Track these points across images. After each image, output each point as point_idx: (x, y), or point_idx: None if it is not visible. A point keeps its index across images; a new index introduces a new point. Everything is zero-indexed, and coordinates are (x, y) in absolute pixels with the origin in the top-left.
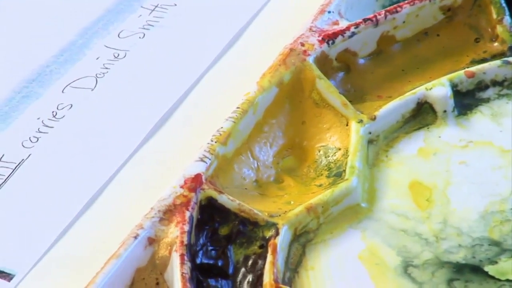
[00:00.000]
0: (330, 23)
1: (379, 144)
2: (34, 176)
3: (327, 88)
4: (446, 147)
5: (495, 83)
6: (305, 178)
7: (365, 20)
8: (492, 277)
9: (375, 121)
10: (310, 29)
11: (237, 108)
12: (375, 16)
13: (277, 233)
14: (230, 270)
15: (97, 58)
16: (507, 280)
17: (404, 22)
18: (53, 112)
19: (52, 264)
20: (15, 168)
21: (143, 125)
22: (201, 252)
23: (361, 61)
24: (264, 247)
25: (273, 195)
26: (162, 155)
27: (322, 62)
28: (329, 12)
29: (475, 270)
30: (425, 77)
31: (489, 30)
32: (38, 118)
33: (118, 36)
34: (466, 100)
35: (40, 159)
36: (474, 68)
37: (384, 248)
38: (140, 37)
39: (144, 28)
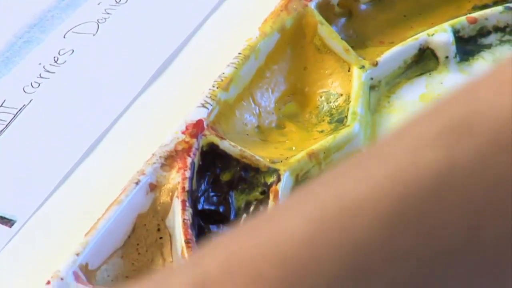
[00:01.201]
0: None
1: (381, 90)
2: (35, 121)
3: (329, 34)
4: (448, 93)
5: (497, 29)
6: (307, 124)
7: None
8: None
9: (377, 67)
10: None
11: (239, 54)
12: None
13: (278, 179)
14: (232, 216)
15: (99, 4)
16: None
17: None
18: (54, 57)
19: (53, 210)
20: (16, 113)
21: (145, 70)
22: (202, 198)
23: (363, 6)
24: (265, 193)
25: (275, 141)
26: (164, 101)
27: (324, 7)
28: None
29: None
30: (427, 23)
31: None
32: (40, 64)
33: None
34: (468, 46)
35: (41, 105)
36: (476, 14)
37: None
38: None
39: None
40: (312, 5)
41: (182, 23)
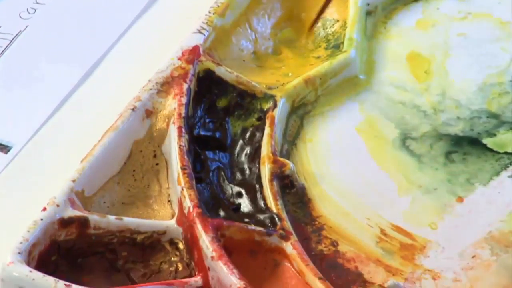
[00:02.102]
0: None
1: (377, 16)
2: (31, 47)
3: None
4: (444, 18)
5: None
6: (303, 49)
7: None
8: (490, 150)
9: None
10: None
11: None
12: None
13: (275, 105)
14: (228, 142)
15: None
16: (506, 153)
17: None
18: None
19: (49, 136)
20: (13, 39)
21: None
22: (198, 124)
23: None
24: (262, 119)
25: (271, 67)
26: (160, 26)
27: None
28: None
29: (473, 142)
30: None
31: None
32: None
33: None
34: None
35: (37, 31)
36: None
37: (382, 121)
38: None
39: None
40: None
41: None
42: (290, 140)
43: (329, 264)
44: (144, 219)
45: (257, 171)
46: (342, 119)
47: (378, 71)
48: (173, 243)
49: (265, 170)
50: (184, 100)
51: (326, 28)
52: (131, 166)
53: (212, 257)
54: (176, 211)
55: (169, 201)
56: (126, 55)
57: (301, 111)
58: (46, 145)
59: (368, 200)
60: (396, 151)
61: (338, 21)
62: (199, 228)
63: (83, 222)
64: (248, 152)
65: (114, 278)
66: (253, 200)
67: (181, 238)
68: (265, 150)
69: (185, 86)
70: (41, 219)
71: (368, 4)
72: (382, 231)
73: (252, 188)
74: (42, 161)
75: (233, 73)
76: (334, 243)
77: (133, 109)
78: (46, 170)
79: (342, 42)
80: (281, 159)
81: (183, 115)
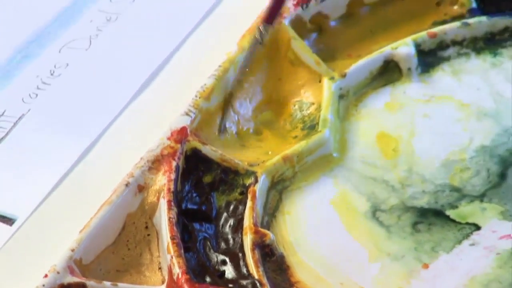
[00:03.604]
0: None
1: (349, 99)
2: (33, 129)
3: (301, 48)
4: (410, 101)
5: (455, 43)
6: (281, 130)
7: None
8: (453, 220)
9: (345, 78)
10: None
11: (219, 66)
12: None
13: (256, 181)
14: (213, 215)
15: (91, 21)
16: (467, 223)
17: None
18: (50, 70)
19: (51, 209)
20: (16, 122)
21: (133, 82)
22: (186, 198)
23: (333, 23)
24: (244, 193)
25: (253, 146)
26: (151, 109)
27: (297, 24)
28: None
29: (437, 214)
30: (391, 37)
31: None
32: (37, 76)
33: (110, 1)
34: (429, 58)
35: (39, 114)
36: (436, 29)
37: (355, 194)
38: (130, 2)
39: None
40: (286, 22)
41: (167, 40)
42: (270, 213)
43: None
44: (137, 285)
45: (240, 241)
46: (318, 193)
47: (351, 149)
48: None
49: (247, 240)
50: (173, 176)
51: (303, 110)
52: (125, 237)
53: None
54: (166, 277)
55: (159, 268)
56: (120, 135)
57: (280, 186)
58: (48, 218)
59: (341, 267)
60: (367, 222)
61: (313, 104)
62: None
63: None
64: (232, 223)
65: None
66: (236, 267)
67: None
68: (247, 221)
69: (174, 163)
70: (43, 285)
71: (340, 89)
72: None
73: (236, 256)
74: (44, 232)
75: (217, 152)
76: None
77: (126, 185)
78: (48, 240)
79: (317, 123)
80: (262, 230)
81: (172, 190)
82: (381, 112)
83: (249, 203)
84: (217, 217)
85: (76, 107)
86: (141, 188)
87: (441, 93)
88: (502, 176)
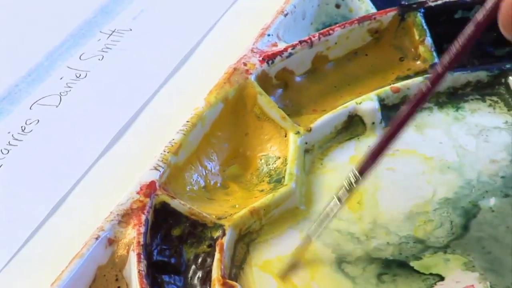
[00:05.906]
0: (269, 44)
1: (314, 153)
2: (5, 184)
3: (267, 103)
4: None
5: None
6: (248, 184)
7: (301, 42)
8: (417, 271)
9: (310, 132)
10: (252, 50)
11: (187, 122)
12: (310, 38)
13: (223, 234)
14: (182, 267)
15: (61, 78)
16: (431, 274)
17: (336, 43)
18: (22, 127)
19: (22, 263)
20: None
21: (102, 138)
22: (156, 251)
23: (298, 78)
24: (212, 246)
25: (220, 200)
26: (120, 165)
27: (263, 80)
28: (268, 35)
29: (402, 265)
30: (355, 92)
31: (413, 50)
32: (9, 132)
33: (80, 58)
34: (393, 113)
35: (10, 170)
36: (399, 84)
37: (321, 246)
38: (99, 59)
39: (103, 51)
40: (252, 78)
41: (135, 95)
42: (238, 265)
43: None
44: None
45: None
46: (285, 246)
47: (316, 202)
48: None
49: None
50: (142, 229)
51: (269, 164)
52: None
53: None
54: None
55: None
56: (90, 190)
57: (247, 238)
58: (20, 271)
59: None
60: (333, 273)
61: (279, 158)
62: None
63: None
64: (200, 275)
65: None
66: None
67: None
68: (215, 273)
69: (143, 217)
70: None
71: (306, 143)
72: None
73: None
74: (16, 286)
75: (186, 205)
76: None
77: (96, 238)
78: None
79: (283, 177)
80: (230, 281)
81: (141, 243)
82: (346, 166)
83: (217, 256)
84: (186, 269)
85: (47, 162)
86: (111, 242)
87: (405, 147)
88: (465, 227)
